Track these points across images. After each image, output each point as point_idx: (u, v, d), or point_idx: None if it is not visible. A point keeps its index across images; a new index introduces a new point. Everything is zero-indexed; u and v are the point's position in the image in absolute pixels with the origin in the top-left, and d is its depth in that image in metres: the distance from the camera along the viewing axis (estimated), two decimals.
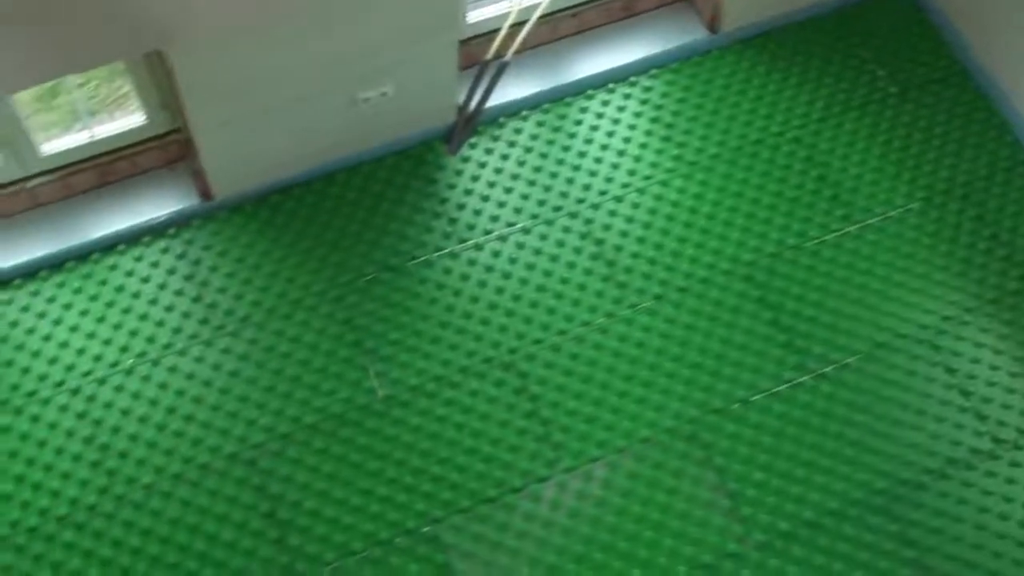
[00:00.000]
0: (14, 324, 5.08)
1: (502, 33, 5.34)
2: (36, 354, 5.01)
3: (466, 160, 5.59)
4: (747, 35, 5.95)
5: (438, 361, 5.07)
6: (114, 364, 5.01)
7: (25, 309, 5.12)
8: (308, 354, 5.07)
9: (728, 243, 5.42)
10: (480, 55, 5.61)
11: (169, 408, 4.93)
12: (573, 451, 4.90)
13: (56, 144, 5.17)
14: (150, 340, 5.08)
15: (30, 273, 5.19)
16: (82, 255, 5.25)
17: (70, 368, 4.99)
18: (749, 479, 4.86)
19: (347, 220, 5.40)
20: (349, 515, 4.73)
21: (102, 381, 4.97)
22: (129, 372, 5.00)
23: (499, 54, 5.43)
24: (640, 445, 4.92)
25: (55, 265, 5.22)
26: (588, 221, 5.45)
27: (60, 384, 4.96)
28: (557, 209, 5.48)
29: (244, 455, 4.84)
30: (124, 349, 5.05)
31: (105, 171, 5.31)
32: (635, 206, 5.49)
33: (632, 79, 5.85)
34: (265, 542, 4.68)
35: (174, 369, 5.01)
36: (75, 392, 4.94)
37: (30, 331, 5.07)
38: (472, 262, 5.32)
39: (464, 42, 5.58)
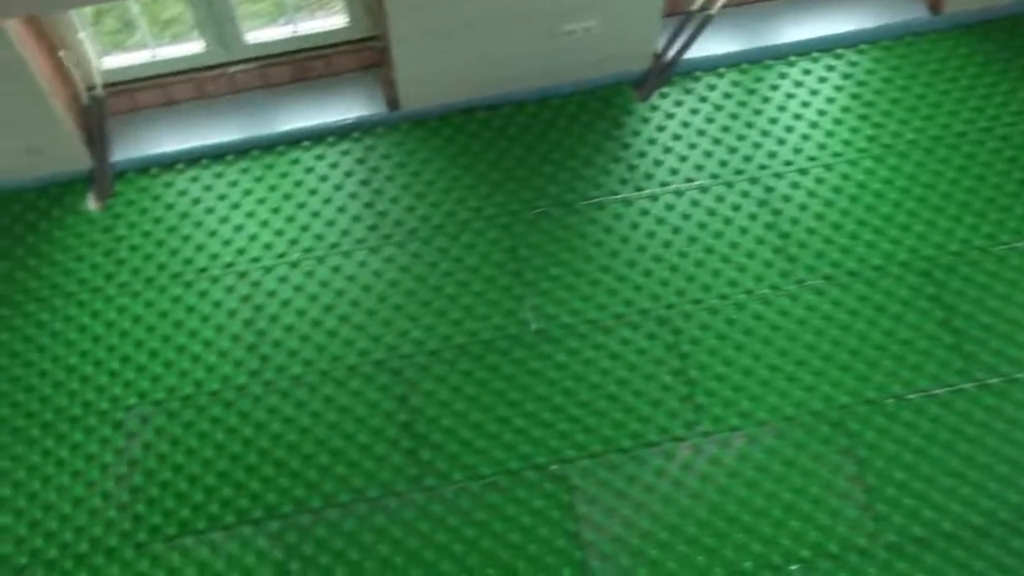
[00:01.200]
0: (196, 201, 5.28)
1: None
2: (212, 233, 5.20)
3: (655, 109, 5.50)
4: (971, 20, 5.65)
5: (594, 304, 5.05)
6: (282, 255, 5.16)
7: (208, 188, 5.31)
8: (468, 276, 5.11)
9: (909, 234, 5.20)
10: (685, 4, 5.49)
11: (327, 306, 5.05)
12: (714, 416, 4.83)
13: (260, 35, 5.31)
14: (319, 238, 5.20)
15: (218, 155, 5.38)
16: (268, 145, 5.40)
17: (241, 252, 5.17)
18: (890, 477, 4.71)
19: (527, 151, 5.40)
20: (483, 440, 4.79)
21: (268, 269, 5.13)
22: (295, 265, 5.14)
23: (705, 6, 5.30)
24: (783, 422, 4.82)
25: (242, 151, 5.39)
26: (768, 189, 5.31)
27: (230, 265, 5.14)
28: (739, 172, 5.35)
29: (391, 363, 4.94)
30: (293, 242, 5.19)
31: (301, 67, 5.43)
32: (819, 181, 5.32)
33: (838, 51, 5.64)
34: (398, 451, 4.77)
35: (337, 269, 5.13)
36: (242, 275, 5.12)
37: (209, 210, 5.26)
38: (644, 212, 5.26)
39: None
